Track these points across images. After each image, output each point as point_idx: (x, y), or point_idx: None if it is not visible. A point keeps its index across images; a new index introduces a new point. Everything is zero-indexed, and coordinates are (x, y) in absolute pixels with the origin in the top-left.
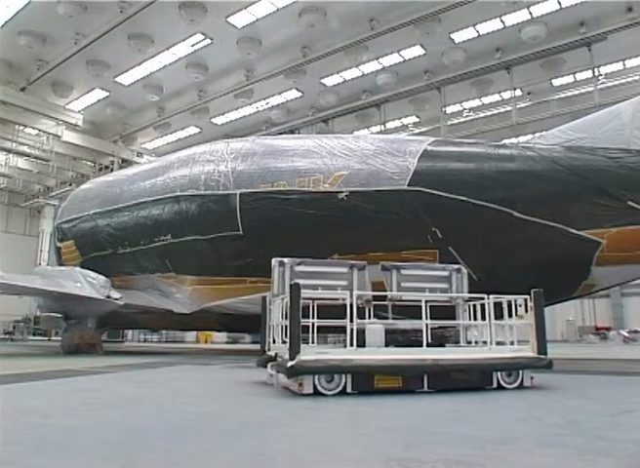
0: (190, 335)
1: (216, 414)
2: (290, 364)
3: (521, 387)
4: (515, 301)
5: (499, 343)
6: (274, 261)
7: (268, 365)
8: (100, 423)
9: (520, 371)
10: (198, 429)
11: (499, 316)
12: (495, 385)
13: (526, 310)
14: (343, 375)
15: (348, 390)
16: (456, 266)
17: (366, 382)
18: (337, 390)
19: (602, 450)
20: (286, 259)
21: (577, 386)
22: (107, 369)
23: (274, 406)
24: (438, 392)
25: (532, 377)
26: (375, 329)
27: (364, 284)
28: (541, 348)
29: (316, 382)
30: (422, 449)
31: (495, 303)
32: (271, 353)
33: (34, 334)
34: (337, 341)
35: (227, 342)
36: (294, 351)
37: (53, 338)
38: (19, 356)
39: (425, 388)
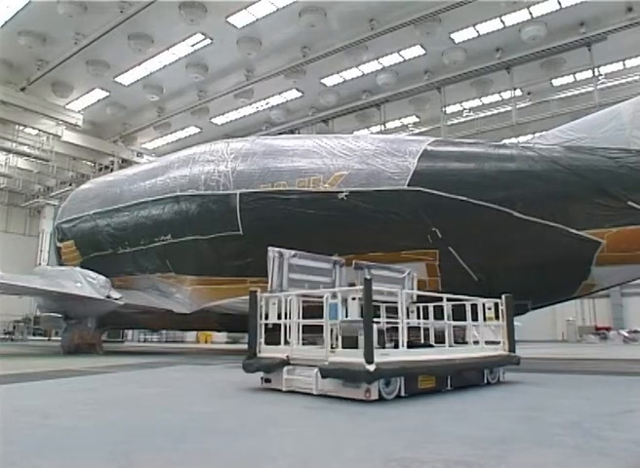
0: (190, 335)
1: (216, 414)
2: (370, 368)
3: (499, 382)
4: (484, 304)
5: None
6: (272, 252)
7: (282, 369)
8: (100, 423)
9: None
10: (198, 429)
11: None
12: (485, 382)
13: (496, 314)
14: (398, 378)
15: (402, 393)
16: (407, 270)
17: (413, 384)
18: (394, 394)
19: (602, 450)
20: (285, 251)
21: (576, 386)
22: (107, 369)
23: (274, 406)
24: (437, 392)
25: (503, 373)
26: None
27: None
28: (512, 347)
29: (380, 387)
30: (423, 449)
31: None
32: (268, 355)
33: (34, 334)
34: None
35: (227, 342)
36: (370, 354)
37: (53, 338)
38: (19, 356)
39: (449, 387)
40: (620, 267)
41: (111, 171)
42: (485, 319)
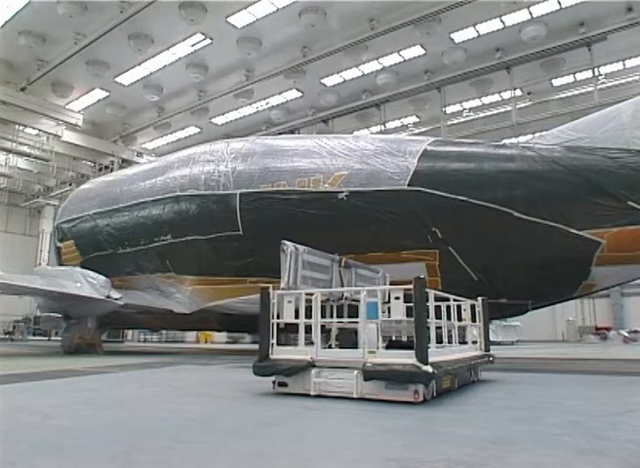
0: (190, 335)
1: (216, 414)
2: (428, 369)
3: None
4: (460, 306)
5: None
6: (289, 246)
7: (309, 372)
8: (100, 423)
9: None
10: (198, 429)
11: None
12: (471, 380)
13: (473, 316)
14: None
15: (434, 394)
16: (380, 270)
17: (439, 384)
18: (430, 394)
19: (602, 450)
20: (299, 246)
21: (576, 386)
22: (107, 369)
23: (274, 406)
24: (450, 392)
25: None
26: (371, 328)
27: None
28: (487, 347)
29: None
30: (423, 449)
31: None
32: (283, 357)
33: (34, 334)
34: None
35: (227, 342)
36: (425, 355)
37: (53, 338)
38: (19, 356)
39: (456, 386)
40: (620, 267)
41: (111, 171)
42: (460, 319)
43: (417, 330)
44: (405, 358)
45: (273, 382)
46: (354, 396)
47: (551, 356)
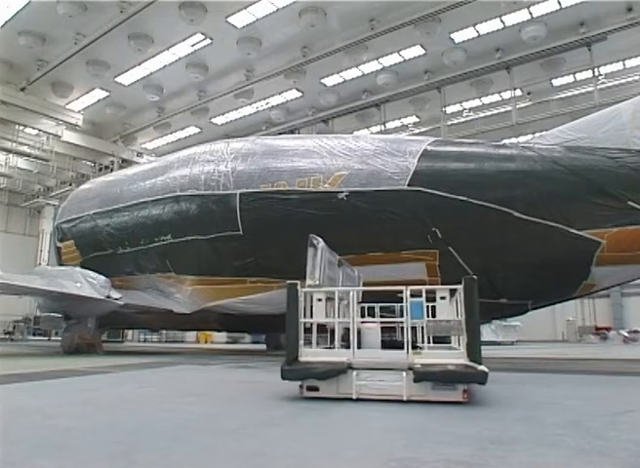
0: (190, 335)
1: (216, 414)
2: (485, 369)
3: None
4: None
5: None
6: (319, 240)
7: (350, 374)
8: (99, 423)
9: None
10: (198, 429)
11: None
12: None
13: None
14: None
15: None
16: (356, 270)
17: None
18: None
19: (602, 450)
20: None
21: (576, 386)
22: (107, 369)
23: (275, 406)
24: None
25: None
26: (373, 329)
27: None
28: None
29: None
30: (423, 449)
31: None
32: (314, 359)
33: (34, 334)
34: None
35: (227, 342)
36: (479, 355)
37: (53, 338)
38: (19, 356)
39: None
40: (620, 267)
41: (111, 171)
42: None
43: (468, 329)
44: (453, 358)
45: (301, 386)
46: (404, 398)
47: (551, 356)
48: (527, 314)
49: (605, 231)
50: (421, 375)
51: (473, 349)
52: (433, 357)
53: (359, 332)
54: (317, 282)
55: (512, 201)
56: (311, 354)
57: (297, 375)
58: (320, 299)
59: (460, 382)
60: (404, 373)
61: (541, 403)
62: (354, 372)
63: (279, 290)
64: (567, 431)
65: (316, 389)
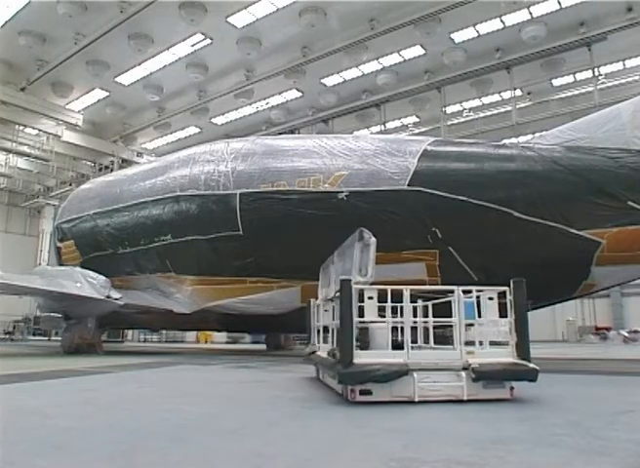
0: (190, 335)
1: (216, 414)
2: (536, 367)
3: None
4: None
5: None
6: (368, 234)
7: (411, 376)
8: (99, 423)
9: None
10: (198, 429)
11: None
12: None
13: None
14: None
15: None
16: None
17: None
18: None
19: (602, 450)
20: None
21: (577, 386)
22: (107, 369)
23: (275, 406)
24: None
25: None
26: (384, 329)
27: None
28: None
29: None
30: (423, 449)
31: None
32: (369, 361)
33: (34, 334)
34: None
35: (227, 342)
36: (529, 353)
37: (53, 338)
38: (19, 356)
39: None
40: (620, 267)
41: (111, 171)
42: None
43: (518, 329)
44: (502, 357)
45: (352, 391)
46: (464, 398)
47: (551, 356)
48: (527, 314)
49: (605, 231)
50: (481, 375)
51: (523, 348)
52: (484, 356)
53: (368, 332)
54: (369, 279)
55: (512, 201)
56: (364, 356)
57: (357, 379)
58: (371, 297)
59: (515, 380)
60: (463, 373)
61: (541, 403)
62: (415, 375)
63: (279, 289)
64: (567, 431)
65: (369, 393)
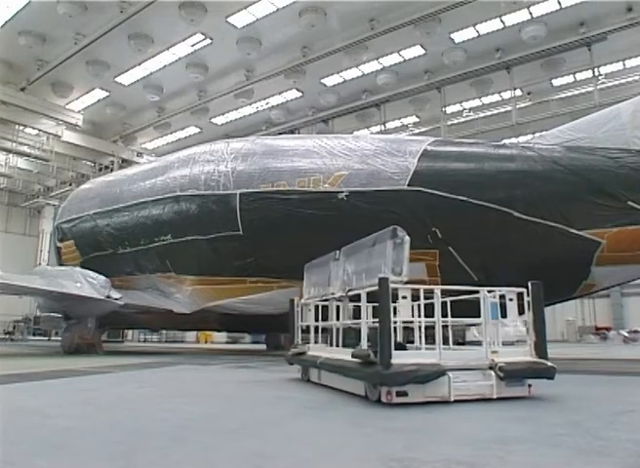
0: (190, 335)
1: (216, 414)
2: (553, 365)
3: None
4: None
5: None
6: (402, 232)
7: (444, 377)
8: (99, 423)
9: None
10: (198, 429)
11: None
12: None
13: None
14: None
15: None
16: None
17: None
18: None
19: (602, 450)
20: None
21: (577, 386)
22: (107, 369)
23: (275, 406)
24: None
25: None
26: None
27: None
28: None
29: None
30: (423, 449)
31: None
32: (408, 361)
33: (34, 334)
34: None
35: (227, 342)
36: (546, 352)
37: (53, 338)
38: (19, 356)
39: None
40: (620, 267)
41: (111, 171)
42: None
43: (536, 329)
44: (521, 356)
45: (389, 392)
46: (494, 397)
47: (551, 356)
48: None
49: (605, 231)
50: (508, 373)
51: (541, 347)
52: (507, 355)
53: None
54: (403, 278)
55: (512, 201)
56: (397, 356)
57: (399, 380)
58: (405, 297)
59: (536, 378)
60: (492, 373)
61: (542, 403)
62: (451, 374)
63: (279, 289)
64: (567, 431)
65: (405, 394)
